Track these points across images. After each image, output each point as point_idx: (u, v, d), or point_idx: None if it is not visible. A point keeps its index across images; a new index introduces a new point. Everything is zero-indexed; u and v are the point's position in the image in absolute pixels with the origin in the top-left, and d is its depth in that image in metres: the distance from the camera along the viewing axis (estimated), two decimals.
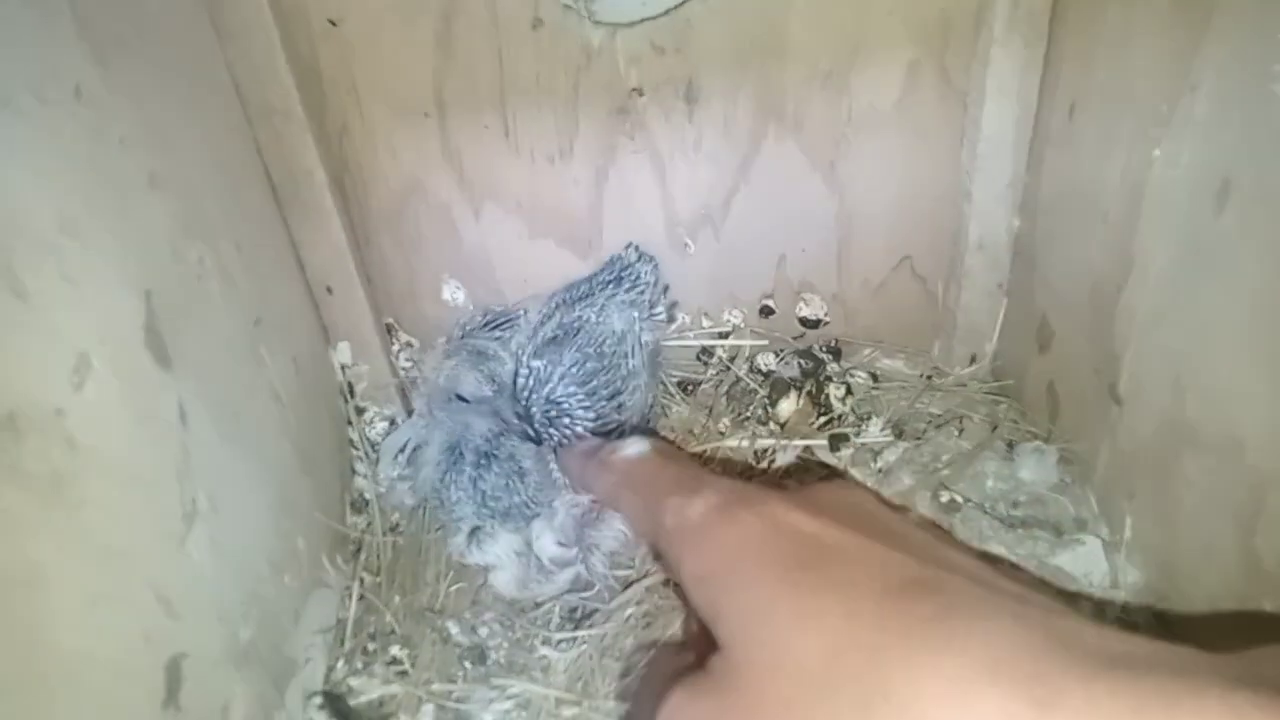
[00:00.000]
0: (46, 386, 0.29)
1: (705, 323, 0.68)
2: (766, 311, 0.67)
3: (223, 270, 0.43)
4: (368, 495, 0.59)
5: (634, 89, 0.56)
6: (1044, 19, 0.54)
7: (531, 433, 0.53)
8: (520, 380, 0.55)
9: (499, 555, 0.53)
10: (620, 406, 0.57)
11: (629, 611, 0.51)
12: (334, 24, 0.52)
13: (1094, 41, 0.52)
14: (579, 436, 0.54)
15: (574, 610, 0.53)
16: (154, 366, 0.35)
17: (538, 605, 0.53)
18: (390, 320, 0.64)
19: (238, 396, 0.43)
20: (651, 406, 0.62)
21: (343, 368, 0.61)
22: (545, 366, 0.55)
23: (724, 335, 0.68)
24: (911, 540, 0.30)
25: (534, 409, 0.54)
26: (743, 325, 0.68)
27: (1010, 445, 0.60)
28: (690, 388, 0.67)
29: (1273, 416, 0.39)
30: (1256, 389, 0.40)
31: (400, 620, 0.52)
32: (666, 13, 0.54)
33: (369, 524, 0.58)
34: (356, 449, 0.61)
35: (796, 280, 0.66)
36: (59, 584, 0.27)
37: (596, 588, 0.53)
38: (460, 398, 0.54)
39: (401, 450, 0.61)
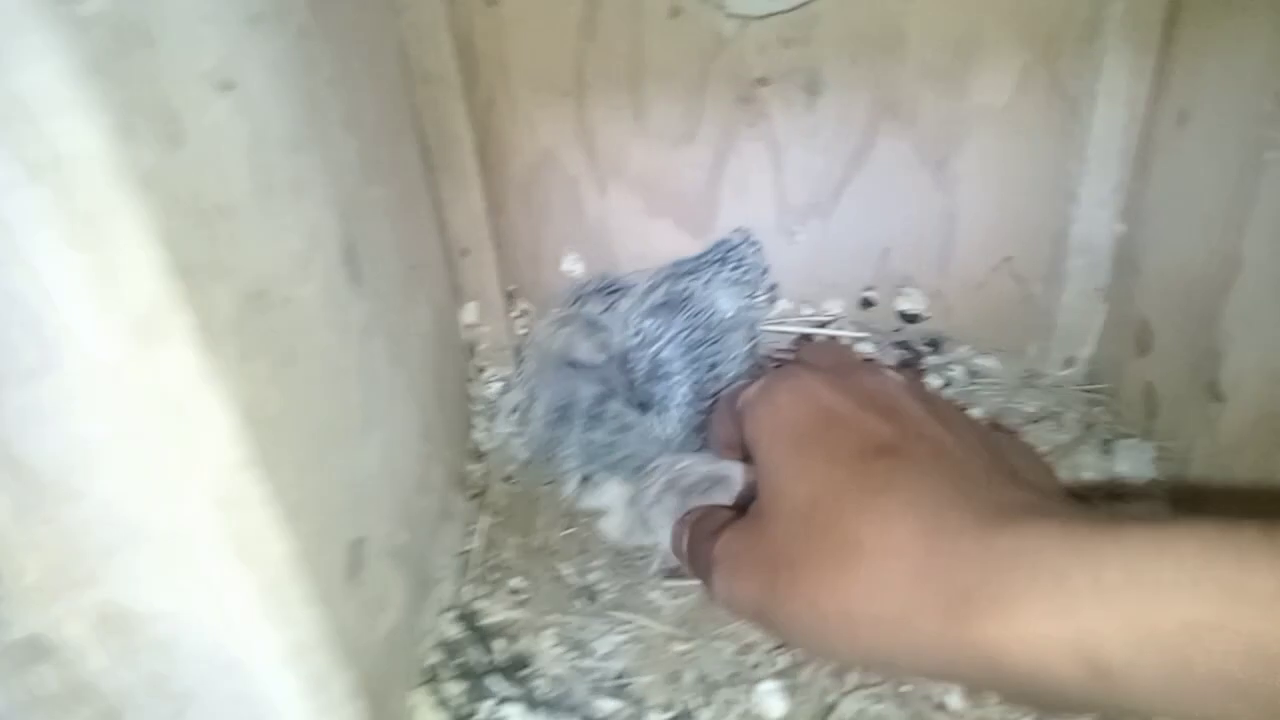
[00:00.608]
0: (282, 275, 0.33)
1: (806, 310, 0.71)
2: (867, 304, 0.70)
3: (391, 213, 0.47)
4: (484, 447, 0.63)
5: (759, 79, 0.60)
6: (1157, 28, 0.57)
7: (637, 399, 0.56)
8: (630, 339, 0.58)
9: (610, 501, 0.56)
10: (718, 378, 0.60)
11: None
12: (491, 3, 0.57)
13: (1207, 48, 0.54)
14: (677, 403, 0.57)
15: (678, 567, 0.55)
16: (349, 282, 0.39)
17: (641, 557, 0.56)
18: (512, 287, 0.68)
19: (399, 327, 0.47)
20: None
21: (467, 327, 0.65)
22: (656, 327, 0.58)
23: (823, 324, 0.71)
24: (907, 415, 0.39)
25: (639, 366, 0.57)
26: (843, 315, 0.70)
27: (1106, 442, 0.61)
28: None
29: None
30: None
31: (518, 558, 0.55)
32: (796, 8, 0.58)
33: (487, 472, 0.61)
34: (474, 404, 0.65)
35: (898, 274, 0.68)
36: (289, 441, 0.31)
37: None
38: (572, 364, 0.57)
39: (514, 411, 0.64)
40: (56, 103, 0.17)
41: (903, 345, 0.69)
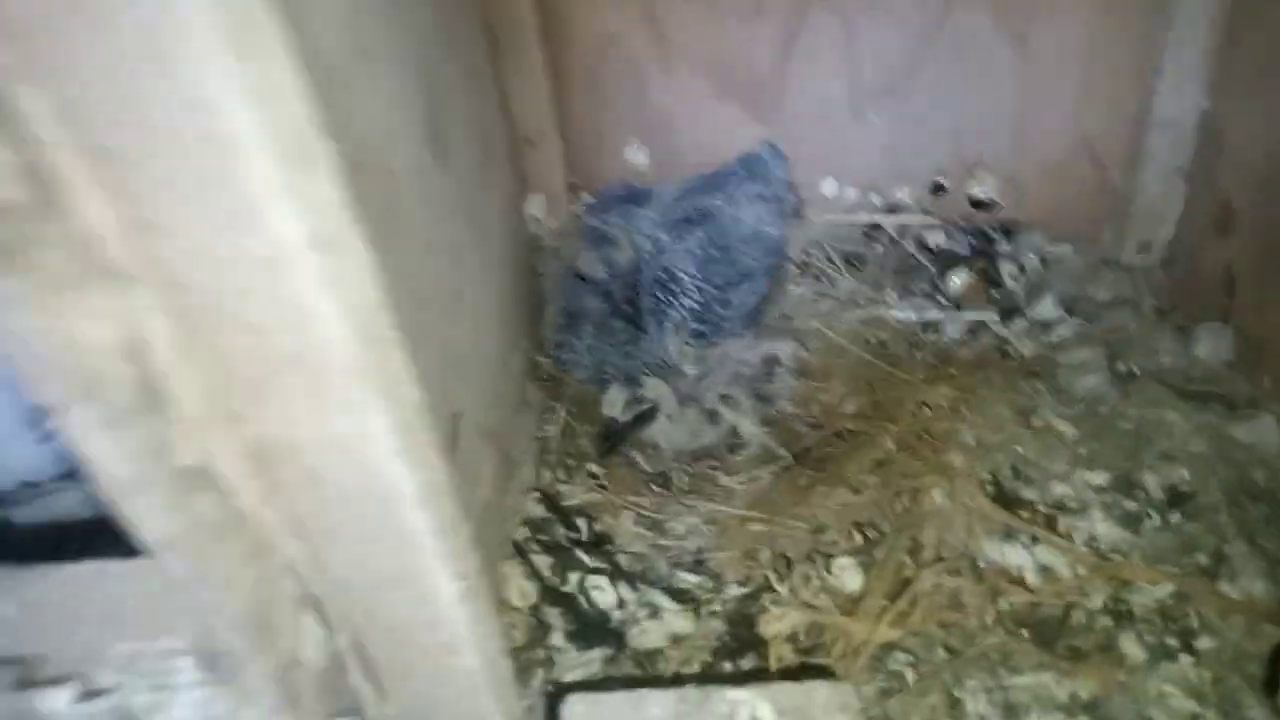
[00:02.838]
0: (379, 145, 0.32)
1: (874, 198, 0.69)
2: (938, 189, 0.68)
3: (467, 94, 0.47)
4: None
5: None
6: None
7: (639, 320, 0.56)
8: (645, 251, 0.57)
9: (658, 399, 0.55)
10: (727, 303, 0.59)
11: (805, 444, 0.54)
12: None
13: None
14: (677, 319, 0.56)
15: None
16: (434, 161, 0.39)
17: (706, 454, 0.56)
18: (574, 180, 0.67)
19: (479, 210, 0.47)
20: (761, 307, 0.63)
21: (534, 220, 0.65)
22: (671, 240, 0.58)
23: (892, 210, 0.69)
24: None
25: (647, 277, 0.57)
26: (912, 203, 0.69)
27: (1183, 326, 0.60)
28: (856, 262, 0.69)
29: None
30: None
31: (592, 445, 0.56)
32: None
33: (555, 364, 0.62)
34: (542, 299, 0.65)
35: (972, 158, 0.66)
36: (398, 303, 0.31)
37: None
38: (579, 276, 0.56)
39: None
40: None
41: (975, 232, 0.67)
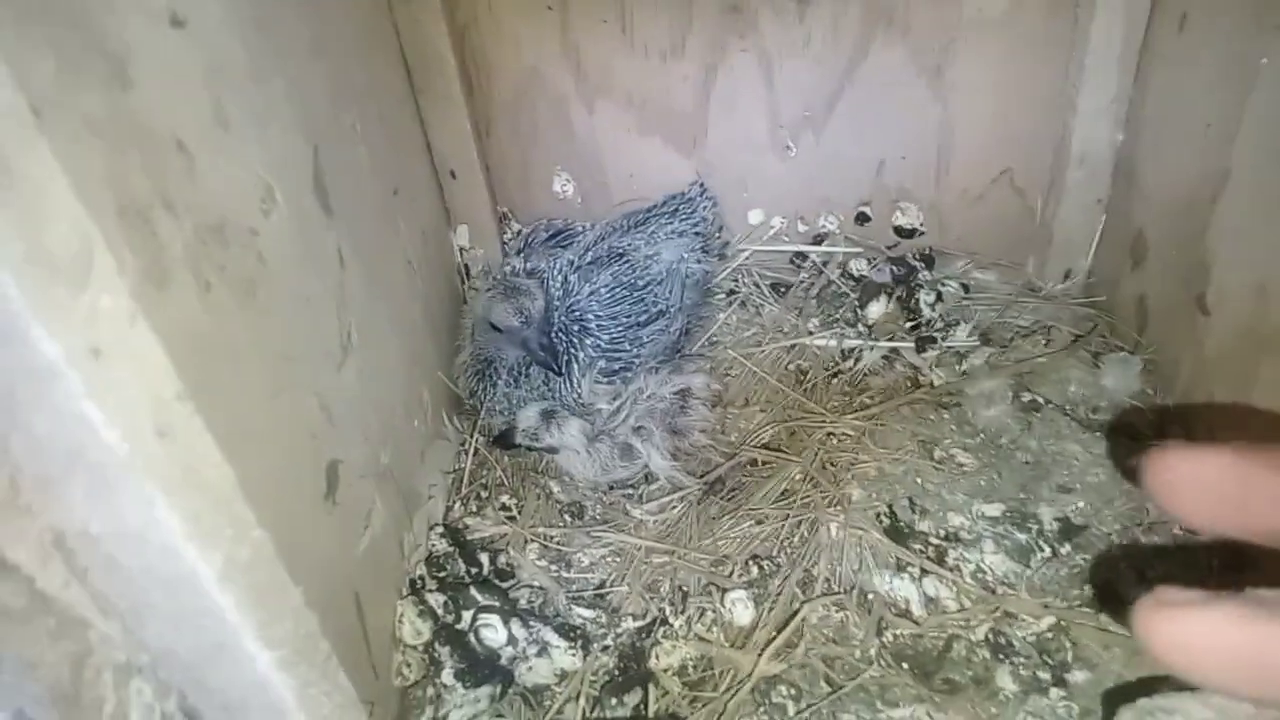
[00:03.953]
0: (244, 208, 0.34)
1: (801, 228, 0.70)
2: (862, 219, 0.69)
3: (369, 138, 0.48)
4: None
5: None
6: None
7: (555, 366, 0.57)
8: (553, 289, 0.58)
9: (571, 440, 0.55)
10: (638, 340, 0.60)
11: (717, 474, 0.56)
12: None
13: None
14: (585, 359, 0.57)
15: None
16: (320, 211, 0.40)
17: (621, 485, 0.57)
18: (505, 209, 0.68)
19: (379, 253, 0.48)
20: (681, 345, 0.64)
21: (460, 250, 0.66)
22: (578, 281, 0.59)
23: (818, 240, 0.70)
24: None
25: (555, 316, 0.58)
26: (838, 231, 0.70)
27: (1096, 355, 0.61)
28: (782, 289, 0.70)
29: None
30: None
31: (508, 477, 0.57)
32: None
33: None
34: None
35: (894, 188, 0.68)
36: (250, 370, 0.32)
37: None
38: (493, 326, 0.57)
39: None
40: None
41: (897, 261, 0.68)
